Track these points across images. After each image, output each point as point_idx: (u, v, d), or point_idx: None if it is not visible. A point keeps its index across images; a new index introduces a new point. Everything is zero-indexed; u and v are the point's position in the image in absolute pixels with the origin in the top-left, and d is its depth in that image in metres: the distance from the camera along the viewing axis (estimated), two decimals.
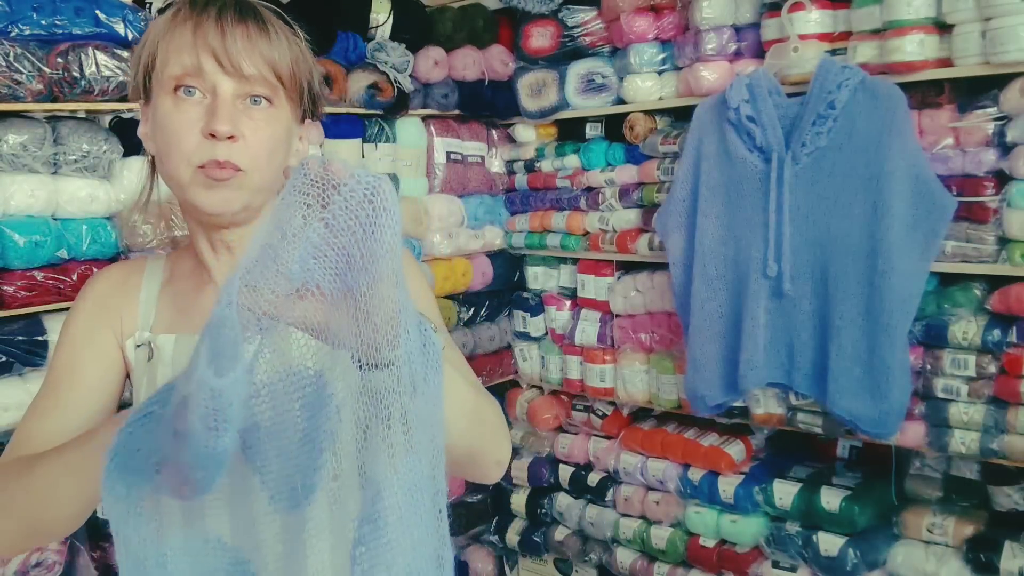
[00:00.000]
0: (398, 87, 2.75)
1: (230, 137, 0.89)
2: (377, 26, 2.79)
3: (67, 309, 2.12)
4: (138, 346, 1.00)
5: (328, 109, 2.68)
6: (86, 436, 0.84)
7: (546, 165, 2.91)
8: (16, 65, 1.98)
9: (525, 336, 3.06)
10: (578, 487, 2.88)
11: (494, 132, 3.06)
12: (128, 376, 1.02)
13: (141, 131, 0.98)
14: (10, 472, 0.88)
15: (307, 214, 0.60)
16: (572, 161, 2.82)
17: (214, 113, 0.88)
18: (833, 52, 2.23)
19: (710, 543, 2.55)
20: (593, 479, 2.83)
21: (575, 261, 2.93)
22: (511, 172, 3.04)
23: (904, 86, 2.08)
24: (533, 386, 3.10)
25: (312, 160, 0.61)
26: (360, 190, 0.59)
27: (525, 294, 3.06)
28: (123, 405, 0.97)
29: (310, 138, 1.04)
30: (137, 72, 0.94)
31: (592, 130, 2.83)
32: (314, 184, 0.60)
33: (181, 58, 0.89)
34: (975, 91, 2.07)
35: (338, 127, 2.70)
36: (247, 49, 0.89)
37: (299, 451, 0.69)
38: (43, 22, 2.04)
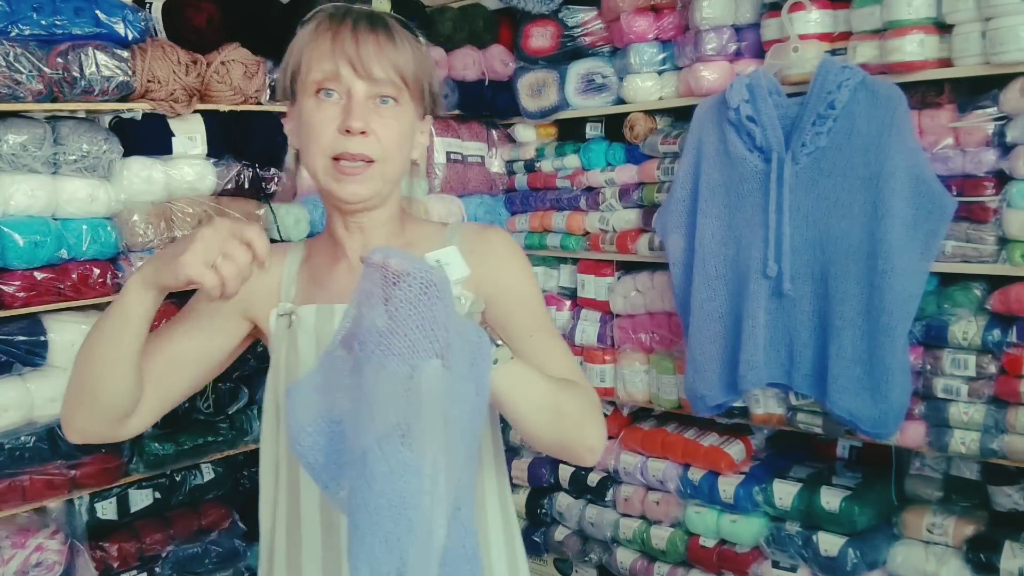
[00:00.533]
0: None
1: (362, 132, 1.03)
2: None
3: (67, 309, 2.13)
4: (280, 315, 1.14)
5: None
6: (111, 306, 1.00)
7: (546, 165, 2.91)
8: (16, 65, 1.98)
9: None
10: (578, 487, 2.88)
11: (494, 132, 3.06)
12: (256, 339, 1.19)
13: (287, 128, 1.16)
14: (80, 352, 1.05)
15: (372, 304, 0.77)
16: (572, 161, 2.82)
17: (349, 112, 1.03)
18: (833, 52, 2.23)
19: (710, 543, 2.55)
20: (593, 479, 2.83)
21: (575, 261, 2.93)
22: (511, 172, 3.04)
23: (904, 86, 2.08)
24: None
25: (375, 256, 0.78)
26: (417, 285, 0.76)
27: None
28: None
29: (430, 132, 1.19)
30: (284, 77, 1.11)
31: (592, 130, 2.83)
32: (377, 280, 0.77)
33: (322, 65, 1.04)
34: (975, 91, 2.07)
35: None
36: (377, 55, 1.04)
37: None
38: (43, 22, 2.04)
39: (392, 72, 1.04)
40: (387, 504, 0.78)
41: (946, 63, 2.06)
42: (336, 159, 1.04)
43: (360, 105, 1.03)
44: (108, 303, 2.26)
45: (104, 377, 1.00)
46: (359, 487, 0.80)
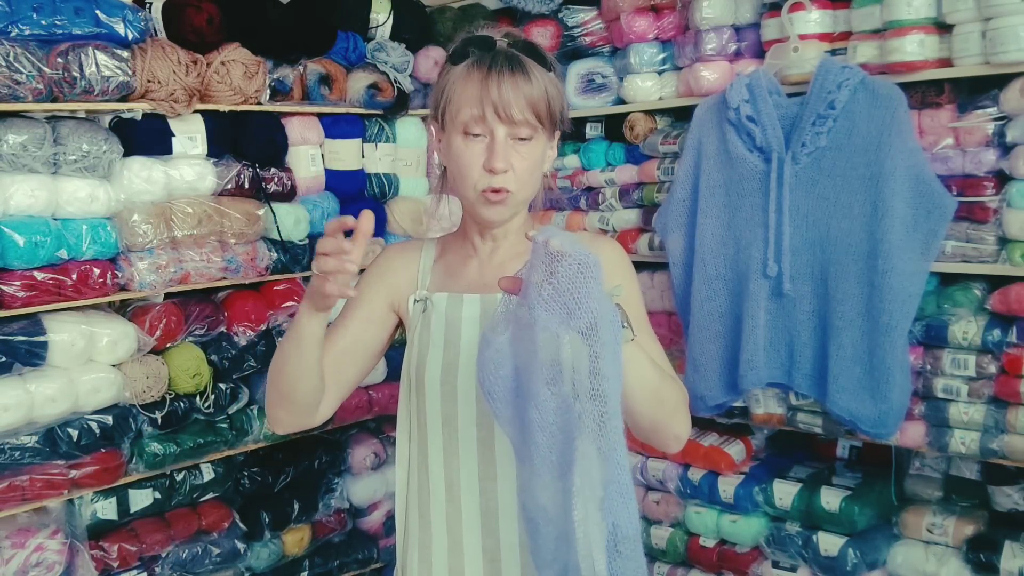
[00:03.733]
0: (398, 87, 2.76)
1: (504, 171, 1.24)
2: (377, 26, 2.79)
3: (67, 309, 2.14)
4: (416, 301, 1.35)
5: (328, 109, 2.68)
6: (296, 318, 1.23)
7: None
8: (16, 65, 1.98)
9: None
10: None
11: None
12: (401, 326, 1.39)
13: (436, 148, 1.40)
14: (272, 365, 1.29)
15: (538, 275, 0.95)
16: (572, 161, 2.82)
17: (493, 152, 1.23)
18: (833, 52, 2.23)
19: (710, 543, 2.55)
20: None
21: None
22: None
23: (904, 86, 2.08)
24: None
25: (540, 238, 0.95)
26: (575, 264, 0.93)
27: None
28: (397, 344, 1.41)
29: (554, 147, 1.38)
30: (436, 105, 1.30)
31: (592, 130, 2.83)
32: (541, 256, 0.95)
33: (471, 109, 1.24)
34: (975, 91, 2.07)
35: (338, 127, 2.70)
36: (515, 99, 1.23)
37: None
38: (43, 22, 2.04)
39: (528, 113, 1.23)
40: (551, 432, 0.97)
41: (946, 63, 2.06)
42: (483, 192, 1.25)
43: (502, 146, 1.23)
44: (108, 303, 2.29)
45: (297, 386, 1.25)
46: (531, 418, 0.98)
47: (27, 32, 2.03)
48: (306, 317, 1.19)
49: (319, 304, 1.17)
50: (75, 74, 2.07)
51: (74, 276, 2.11)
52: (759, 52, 2.38)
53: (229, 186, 2.42)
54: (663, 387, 1.15)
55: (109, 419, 2.21)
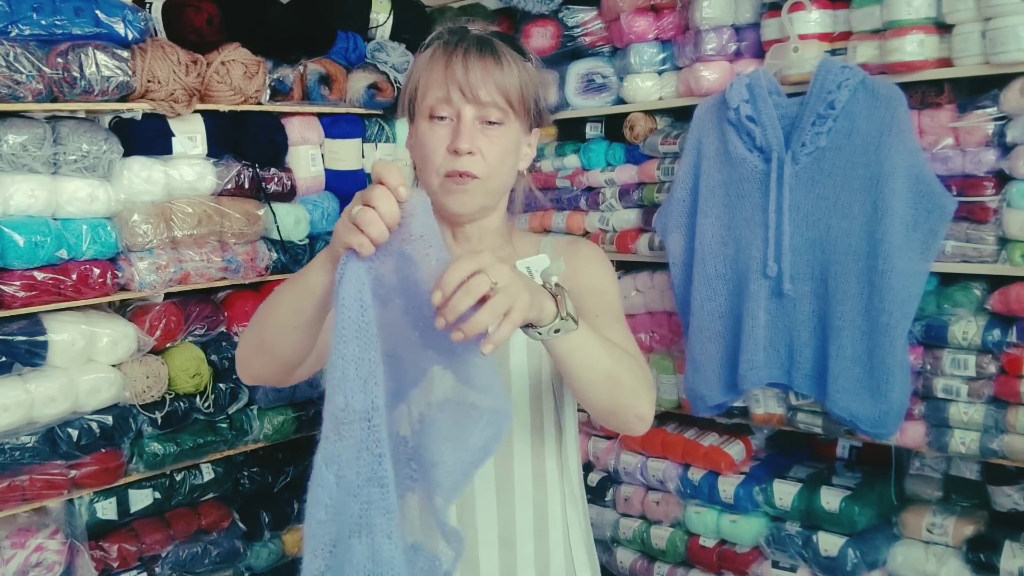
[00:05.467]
0: (398, 87, 2.75)
1: (469, 152, 1.16)
2: (377, 26, 2.79)
3: (67, 309, 2.13)
4: None
5: (327, 109, 2.68)
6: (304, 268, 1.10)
7: (546, 165, 2.91)
8: (16, 65, 1.98)
9: None
10: None
11: None
12: None
13: (407, 143, 1.28)
14: (263, 306, 1.16)
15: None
16: (572, 161, 2.82)
17: (458, 134, 1.16)
18: (833, 52, 2.23)
19: (710, 543, 2.55)
20: (593, 479, 2.83)
21: None
22: None
23: (904, 86, 2.08)
24: None
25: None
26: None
27: None
28: None
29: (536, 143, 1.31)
30: (404, 98, 1.24)
31: (592, 130, 2.83)
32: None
33: (435, 91, 1.17)
34: (975, 91, 2.06)
35: (338, 127, 2.70)
36: (484, 80, 1.16)
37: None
38: (43, 22, 2.04)
39: (497, 95, 1.16)
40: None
41: (946, 63, 2.06)
42: (447, 176, 1.17)
43: (468, 127, 1.16)
44: (108, 303, 2.29)
45: (285, 338, 1.10)
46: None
47: (27, 32, 2.03)
48: (318, 267, 1.05)
49: (335, 251, 1.02)
50: (75, 74, 2.07)
51: (74, 276, 2.11)
52: (759, 52, 2.38)
53: (229, 186, 2.43)
54: (618, 369, 1.10)
55: (109, 419, 2.21)
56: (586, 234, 2.81)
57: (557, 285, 1.02)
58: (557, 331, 1.01)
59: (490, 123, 1.18)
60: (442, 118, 1.17)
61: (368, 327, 0.91)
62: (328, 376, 0.93)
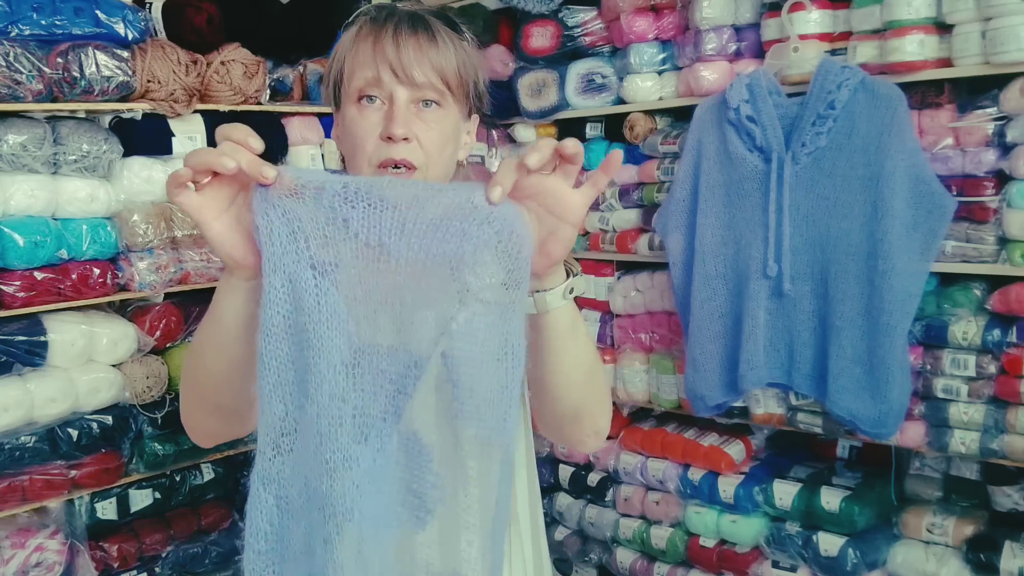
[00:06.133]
0: None
1: (405, 139, 1.02)
2: None
3: (67, 309, 2.13)
4: None
5: (327, 109, 2.68)
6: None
7: None
8: (16, 65, 1.98)
9: None
10: (578, 487, 2.88)
11: (494, 132, 3.05)
12: None
13: (334, 134, 1.14)
14: (187, 361, 1.02)
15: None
16: None
17: (391, 119, 1.02)
18: (833, 52, 2.23)
19: (710, 543, 2.55)
20: (593, 479, 2.83)
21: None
22: None
23: (904, 86, 2.08)
24: None
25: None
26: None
27: None
28: None
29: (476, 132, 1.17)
30: (328, 84, 1.10)
31: (592, 130, 2.83)
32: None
33: (364, 72, 1.03)
34: (975, 91, 2.06)
35: None
36: (418, 59, 1.02)
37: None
38: (43, 22, 2.04)
39: (433, 75, 1.03)
40: None
41: (946, 63, 2.06)
42: (381, 166, 1.03)
43: (402, 111, 1.02)
44: (108, 303, 2.29)
45: (222, 385, 0.95)
46: None
47: (27, 32, 2.03)
48: (223, 290, 0.89)
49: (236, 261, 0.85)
50: (75, 74, 2.07)
51: (74, 276, 2.11)
52: (759, 52, 2.38)
53: None
54: (596, 368, 1.00)
55: (109, 419, 2.21)
56: (586, 234, 2.82)
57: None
58: (571, 290, 0.92)
59: (426, 105, 1.04)
60: (372, 100, 1.04)
61: (304, 301, 0.78)
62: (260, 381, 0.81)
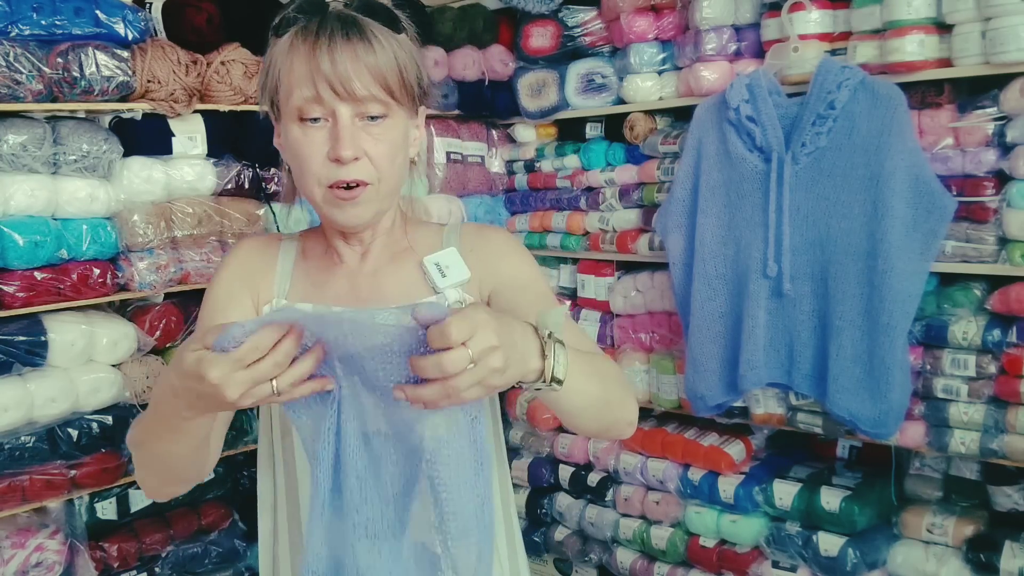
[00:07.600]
0: None
1: (354, 159, 0.99)
2: None
3: (67, 309, 2.14)
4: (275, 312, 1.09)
5: None
6: (153, 398, 0.97)
7: (546, 165, 2.91)
8: (16, 65, 1.98)
9: None
10: (578, 487, 2.88)
11: (494, 132, 3.06)
12: None
13: (276, 142, 1.10)
14: (135, 436, 1.03)
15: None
16: (572, 161, 2.82)
17: (337, 139, 0.98)
18: (833, 52, 2.23)
19: (710, 543, 2.55)
20: (593, 479, 2.83)
21: (575, 261, 2.93)
22: (511, 172, 3.04)
23: (904, 86, 2.08)
24: None
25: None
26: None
27: None
28: None
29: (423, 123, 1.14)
30: (264, 92, 1.05)
31: (592, 130, 2.83)
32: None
33: (302, 90, 0.98)
34: (975, 91, 2.07)
35: None
36: (356, 71, 0.97)
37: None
38: (43, 22, 2.04)
39: (375, 86, 0.98)
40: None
41: (946, 63, 2.06)
42: (332, 187, 1.00)
43: (347, 129, 0.98)
44: (108, 303, 2.29)
45: (186, 466, 1.02)
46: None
47: (27, 32, 2.02)
48: (189, 418, 0.90)
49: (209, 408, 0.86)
50: (75, 74, 2.07)
51: (74, 276, 2.11)
52: (759, 52, 2.38)
53: (229, 186, 2.42)
54: (607, 388, 0.98)
55: (109, 419, 2.21)
56: (586, 234, 2.82)
57: (550, 335, 0.87)
58: (539, 390, 0.88)
59: (372, 119, 1.00)
60: (315, 119, 0.99)
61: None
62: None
